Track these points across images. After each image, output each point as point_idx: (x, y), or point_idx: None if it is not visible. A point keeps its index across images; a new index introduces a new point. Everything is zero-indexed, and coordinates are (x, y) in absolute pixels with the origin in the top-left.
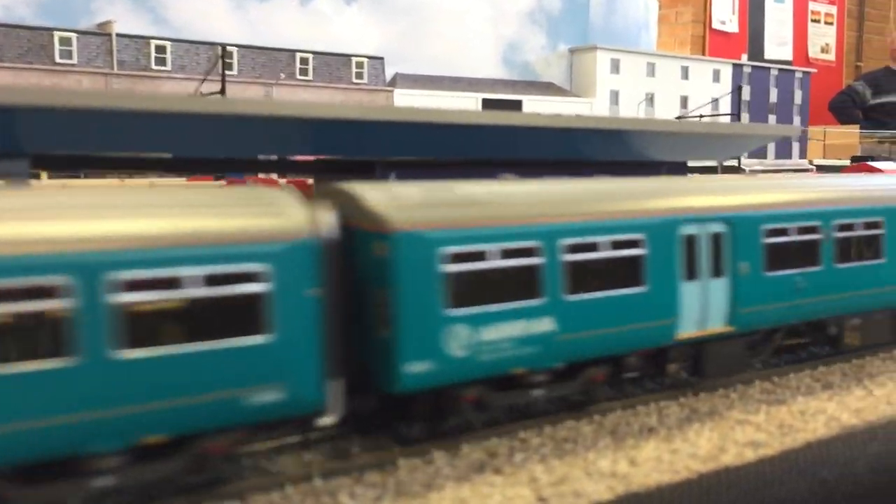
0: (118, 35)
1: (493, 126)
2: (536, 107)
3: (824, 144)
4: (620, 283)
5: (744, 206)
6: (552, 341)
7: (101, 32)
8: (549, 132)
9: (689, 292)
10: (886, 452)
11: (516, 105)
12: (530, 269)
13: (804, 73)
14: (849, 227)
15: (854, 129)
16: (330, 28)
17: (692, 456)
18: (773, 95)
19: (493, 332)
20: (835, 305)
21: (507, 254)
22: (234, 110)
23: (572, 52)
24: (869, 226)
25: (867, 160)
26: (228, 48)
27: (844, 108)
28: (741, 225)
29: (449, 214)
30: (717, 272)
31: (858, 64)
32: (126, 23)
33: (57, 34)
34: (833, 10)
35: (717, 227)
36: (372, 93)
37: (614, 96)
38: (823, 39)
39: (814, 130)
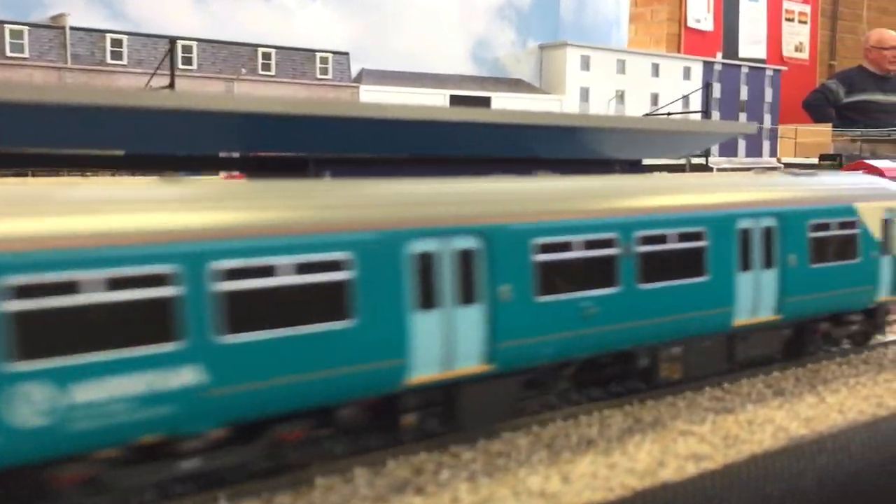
0: (72, 28)
1: (433, 122)
2: (505, 103)
3: (795, 142)
4: (318, 316)
5: (507, 216)
6: (197, 398)
7: (55, 25)
8: (492, 128)
9: (427, 325)
10: (835, 465)
11: (485, 102)
12: (158, 304)
13: (774, 70)
14: (657, 240)
15: (826, 128)
16: (294, 23)
17: (629, 471)
18: (744, 93)
19: (92, 391)
20: (640, 333)
21: (117, 283)
22: (155, 104)
23: (542, 48)
24: (686, 238)
25: (834, 158)
26: (188, 42)
27: (818, 107)
28: (502, 241)
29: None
30: (466, 299)
31: (832, 63)
32: (80, 16)
33: (7, 27)
34: (807, 8)
35: (465, 244)
36: (337, 89)
37: (584, 93)
38: (797, 38)
39: (785, 128)
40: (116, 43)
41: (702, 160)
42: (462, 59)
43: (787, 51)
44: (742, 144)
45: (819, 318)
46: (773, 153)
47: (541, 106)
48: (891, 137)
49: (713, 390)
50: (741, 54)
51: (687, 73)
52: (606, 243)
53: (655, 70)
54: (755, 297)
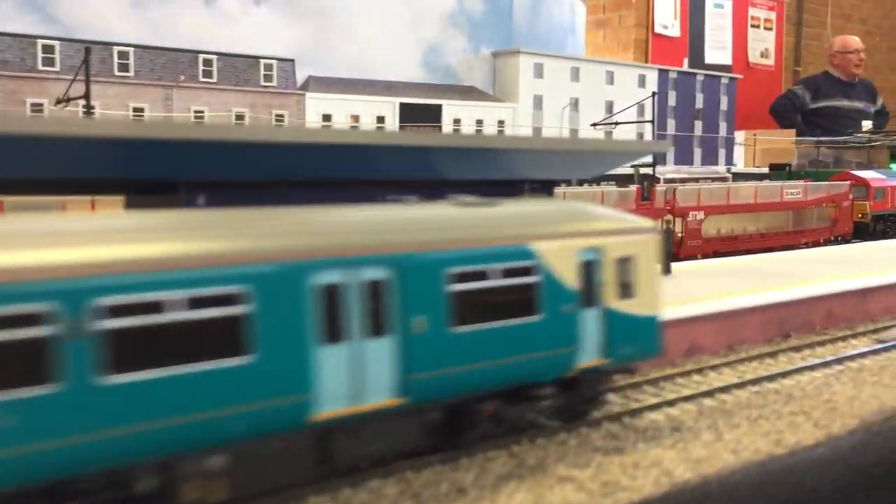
0: (0, 34)
1: (308, 144)
2: (457, 111)
3: (754, 149)
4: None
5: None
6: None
7: None
8: (377, 150)
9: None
10: None
11: (435, 110)
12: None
13: (730, 79)
14: (150, 309)
15: (785, 134)
16: (238, 29)
17: None
18: (699, 101)
19: None
20: (121, 446)
21: None
22: (16, 129)
23: (495, 55)
24: (208, 303)
25: (785, 167)
26: (124, 49)
27: (785, 112)
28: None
29: None
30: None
31: (797, 69)
32: (10, 21)
33: None
34: (772, 15)
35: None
36: (282, 96)
37: (538, 101)
38: (763, 44)
39: (747, 135)
40: (48, 49)
41: (649, 170)
42: (413, 66)
43: (754, 57)
44: (698, 153)
45: (483, 395)
46: (728, 161)
47: (493, 114)
48: (851, 144)
49: (611, 425)
50: (707, 60)
51: (642, 81)
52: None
53: (610, 78)
54: (355, 378)
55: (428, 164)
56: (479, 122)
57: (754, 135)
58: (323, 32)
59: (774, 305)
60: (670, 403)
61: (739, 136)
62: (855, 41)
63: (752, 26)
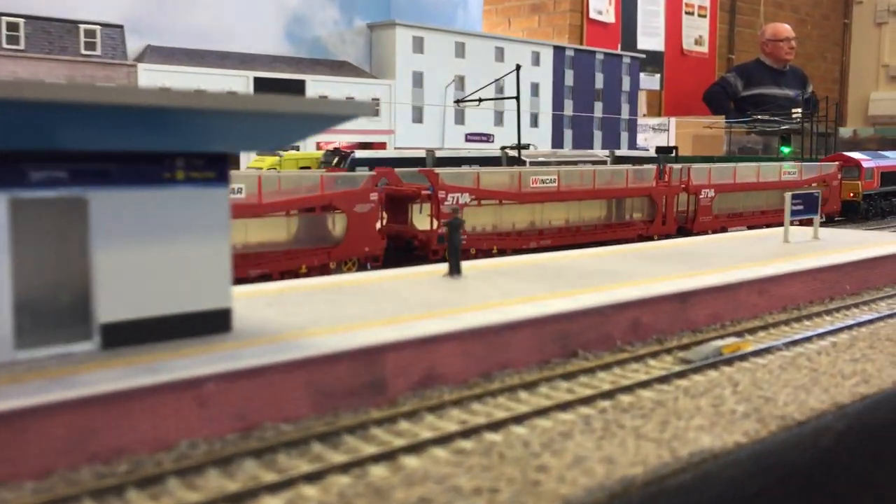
0: None
1: None
2: (323, 88)
3: (675, 134)
4: None
5: None
6: None
7: None
8: None
9: None
10: None
11: (298, 85)
12: None
13: (632, 58)
14: None
15: (703, 119)
16: None
17: None
18: (599, 81)
19: None
20: None
21: None
22: None
23: (371, 28)
24: None
25: (670, 150)
26: None
27: (717, 100)
28: None
29: None
30: None
31: (731, 56)
32: None
33: None
34: (706, 2)
35: None
36: (108, 67)
37: (418, 78)
38: (697, 31)
39: (678, 121)
40: None
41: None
42: (275, 38)
43: (688, 44)
44: (598, 136)
45: None
46: (632, 145)
47: (367, 91)
48: (770, 130)
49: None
50: (640, 46)
51: (536, 59)
52: None
53: (500, 54)
54: None
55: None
56: (351, 99)
57: (669, 120)
58: None
59: (556, 317)
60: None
61: (672, 122)
62: (786, 29)
63: (687, 13)
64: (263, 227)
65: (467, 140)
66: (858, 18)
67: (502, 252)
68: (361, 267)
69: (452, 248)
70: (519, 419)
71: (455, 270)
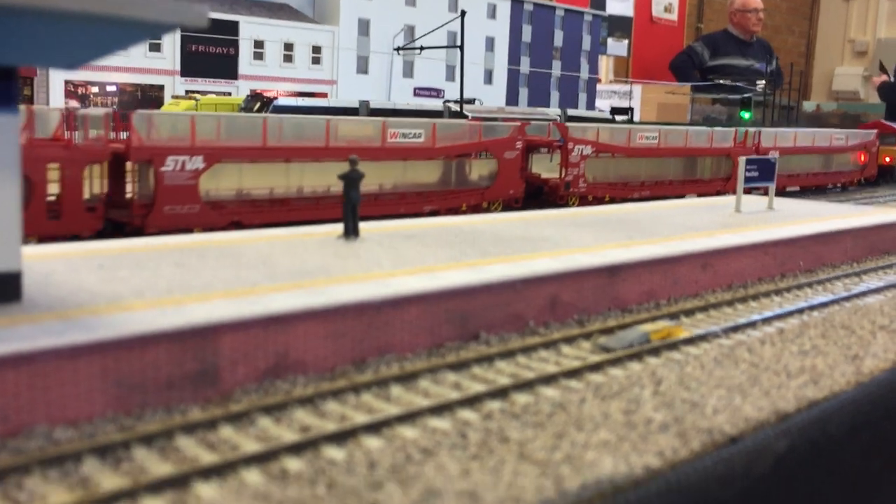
0: None
1: None
2: (258, 31)
3: (641, 100)
4: None
5: None
6: None
7: None
8: None
9: None
10: None
11: (229, 27)
12: None
13: (594, 16)
14: None
15: (664, 85)
16: None
17: None
18: (559, 39)
19: None
20: None
21: None
22: None
23: None
24: None
25: (626, 111)
26: None
27: (684, 68)
28: None
29: None
30: None
31: (699, 25)
32: None
33: None
34: None
35: None
36: None
37: (364, 26)
38: None
39: (640, 86)
40: None
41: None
42: None
43: (657, 11)
44: (555, 96)
45: None
46: (590, 106)
47: (307, 37)
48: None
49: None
50: (609, 11)
51: (492, 12)
52: None
53: (454, 5)
54: None
55: None
56: (289, 45)
57: (628, 81)
58: None
59: (453, 292)
60: None
61: (637, 89)
62: (755, 0)
63: None
64: (430, 169)
65: (416, 94)
66: None
67: (612, 200)
68: (506, 208)
69: (349, 205)
70: (376, 427)
71: (350, 232)
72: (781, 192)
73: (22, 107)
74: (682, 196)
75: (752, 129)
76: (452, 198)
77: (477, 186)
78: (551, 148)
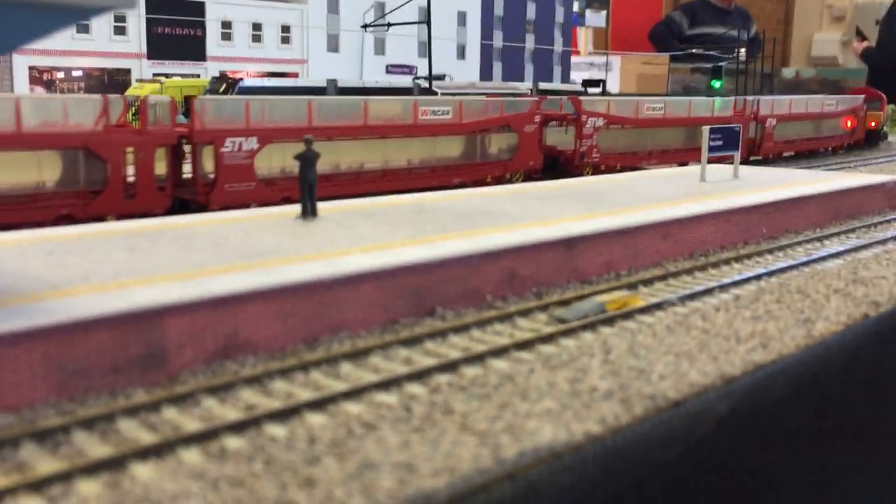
0: None
1: None
2: (225, 11)
3: (620, 72)
4: None
5: None
6: None
7: None
8: None
9: None
10: None
11: (195, 7)
12: None
13: None
14: None
15: (642, 55)
16: None
17: None
18: (531, 12)
19: None
20: None
21: None
22: None
23: None
24: None
25: (598, 83)
26: None
27: (663, 38)
28: None
29: None
30: None
31: None
32: None
33: None
34: None
35: None
36: None
37: (333, 3)
38: None
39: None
40: None
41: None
42: None
43: None
44: (530, 69)
45: None
46: (565, 79)
47: (275, 16)
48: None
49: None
50: None
51: None
52: None
53: None
54: None
55: None
56: (257, 25)
57: (605, 53)
58: None
59: (408, 268)
60: None
61: (616, 60)
62: None
63: None
64: (457, 144)
65: (388, 72)
66: None
67: (623, 169)
68: (526, 178)
69: (305, 185)
70: (320, 404)
71: (308, 212)
72: (778, 158)
73: (97, 96)
74: (686, 163)
75: (750, 98)
76: (478, 170)
77: (499, 159)
78: (566, 121)
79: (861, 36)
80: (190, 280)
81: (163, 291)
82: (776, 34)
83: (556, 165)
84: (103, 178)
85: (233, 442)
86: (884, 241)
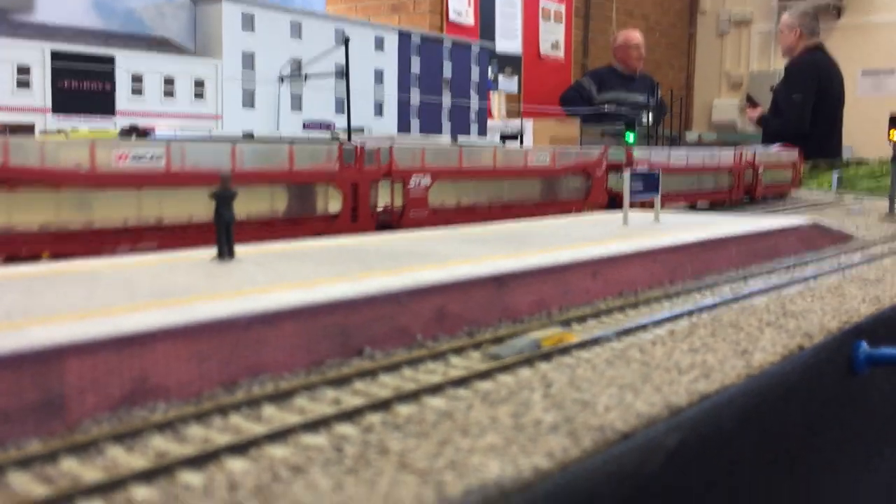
0: None
1: None
2: (137, 65)
3: (534, 135)
4: None
5: None
6: None
7: None
8: None
9: None
10: None
11: (105, 62)
12: None
13: (482, 48)
14: None
15: (570, 122)
16: None
17: None
18: (448, 70)
19: None
20: None
21: None
22: None
23: (195, 3)
24: None
25: (515, 137)
26: None
27: (572, 102)
28: None
29: None
30: None
31: (585, 62)
32: None
33: None
34: (562, 8)
35: None
36: None
37: (248, 59)
38: (554, 36)
39: (536, 122)
40: None
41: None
42: (81, 9)
43: (545, 48)
44: (447, 125)
45: None
46: (482, 131)
47: (189, 70)
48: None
49: None
50: (498, 49)
51: (380, 44)
52: None
53: (341, 37)
54: None
55: None
56: (169, 79)
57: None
58: None
59: (331, 306)
60: None
61: (528, 124)
62: (636, 36)
63: (544, 18)
64: (552, 183)
65: (305, 128)
66: (702, 28)
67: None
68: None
69: (222, 225)
70: (241, 448)
71: (225, 253)
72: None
73: (335, 143)
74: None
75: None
76: (566, 205)
77: (577, 197)
78: (621, 168)
79: (752, 102)
80: (92, 318)
81: (61, 330)
82: (678, 98)
83: (613, 205)
84: (339, 206)
85: (141, 492)
86: (805, 280)
